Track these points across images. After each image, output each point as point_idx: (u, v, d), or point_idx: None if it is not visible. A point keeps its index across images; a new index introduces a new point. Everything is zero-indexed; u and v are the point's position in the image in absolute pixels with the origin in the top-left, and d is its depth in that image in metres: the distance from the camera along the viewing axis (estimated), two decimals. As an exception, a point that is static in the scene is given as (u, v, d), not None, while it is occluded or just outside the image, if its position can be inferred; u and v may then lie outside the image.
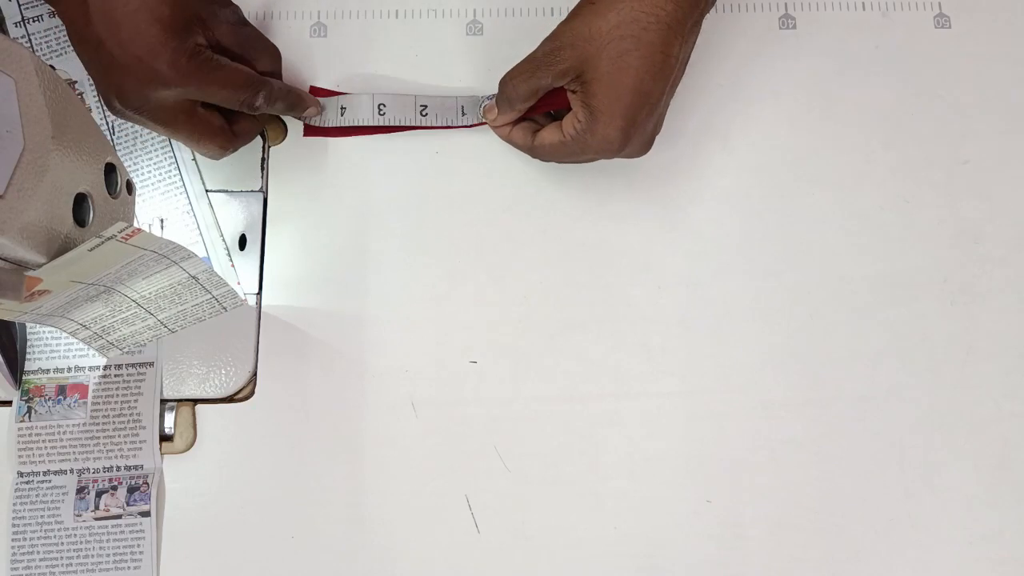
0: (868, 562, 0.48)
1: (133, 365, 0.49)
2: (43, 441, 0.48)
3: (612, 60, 0.43)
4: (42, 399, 0.49)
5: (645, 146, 0.48)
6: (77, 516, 0.47)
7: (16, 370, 0.48)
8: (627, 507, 0.48)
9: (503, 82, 0.48)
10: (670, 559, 0.48)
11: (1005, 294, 0.52)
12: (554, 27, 0.46)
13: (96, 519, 0.47)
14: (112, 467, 0.48)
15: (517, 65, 0.47)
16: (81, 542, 0.47)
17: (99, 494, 0.47)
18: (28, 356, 0.49)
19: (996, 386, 0.51)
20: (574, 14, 0.45)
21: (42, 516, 0.47)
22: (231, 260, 0.51)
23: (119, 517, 0.47)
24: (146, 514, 0.47)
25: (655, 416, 0.50)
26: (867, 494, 0.49)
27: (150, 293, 0.44)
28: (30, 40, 0.53)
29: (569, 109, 0.47)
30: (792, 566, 0.48)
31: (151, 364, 0.49)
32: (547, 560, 0.48)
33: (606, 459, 0.49)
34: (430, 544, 0.48)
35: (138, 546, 0.47)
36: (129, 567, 0.46)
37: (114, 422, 0.48)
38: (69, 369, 0.49)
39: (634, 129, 0.45)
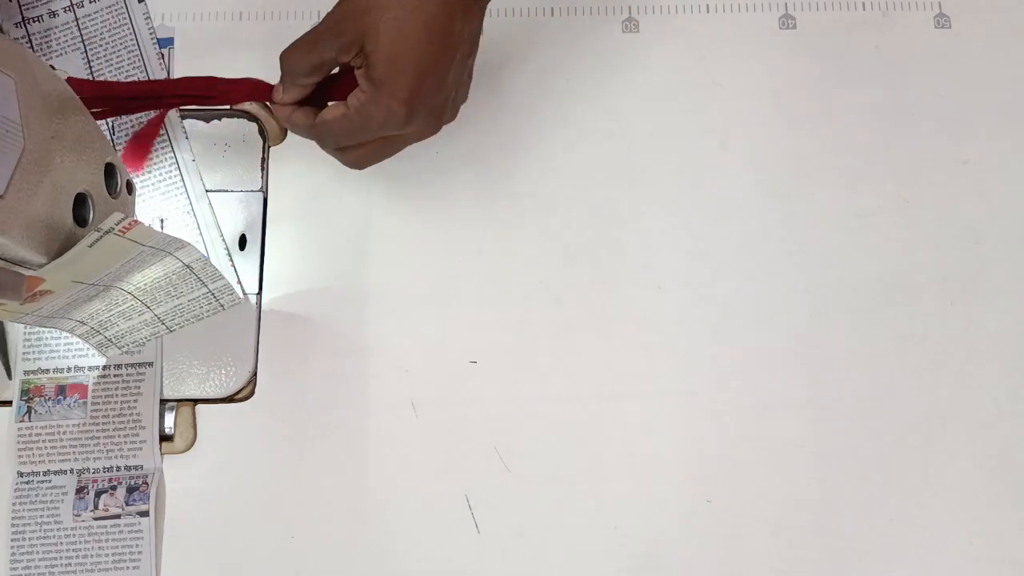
0: (868, 562, 0.48)
1: (133, 365, 0.49)
2: (43, 441, 0.48)
3: (390, 32, 0.42)
4: (42, 399, 0.49)
5: (433, 125, 0.47)
6: (76, 516, 0.47)
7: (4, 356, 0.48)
8: (627, 507, 0.48)
9: (283, 55, 0.45)
10: (670, 559, 0.48)
11: (1005, 294, 0.52)
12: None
13: (95, 519, 0.47)
14: (112, 467, 0.48)
15: (298, 39, 0.45)
16: (80, 542, 0.47)
17: (98, 494, 0.47)
18: (28, 356, 0.49)
19: (996, 386, 0.51)
20: None
21: (41, 516, 0.47)
22: (231, 260, 0.51)
23: (118, 517, 0.47)
24: (145, 514, 0.47)
25: (655, 416, 0.50)
26: (867, 494, 0.49)
27: (146, 284, 0.44)
28: (30, 40, 0.53)
29: None
30: (792, 566, 0.48)
31: (151, 364, 0.49)
32: (547, 560, 0.48)
33: (606, 459, 0.49)
34: (430, 544, 0.48)
35: (137, 546, 0.47)
36: (128, 567, 0.46)
37: (114, 422, 0.48)
38: (69, 369, 0.49)
39: (418, 101, 0.44)
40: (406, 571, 0.48)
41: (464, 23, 0.44)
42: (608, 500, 0.49)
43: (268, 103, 0.47)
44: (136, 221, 0.36)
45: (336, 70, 0.45)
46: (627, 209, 0.53)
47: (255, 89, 0.48)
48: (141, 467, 0.48)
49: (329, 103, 0.46)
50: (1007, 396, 0.50)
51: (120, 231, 0.36)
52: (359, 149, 0.47)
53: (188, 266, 0.43)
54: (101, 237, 0.36)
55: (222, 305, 0.48)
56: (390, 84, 0.43)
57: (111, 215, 0.36)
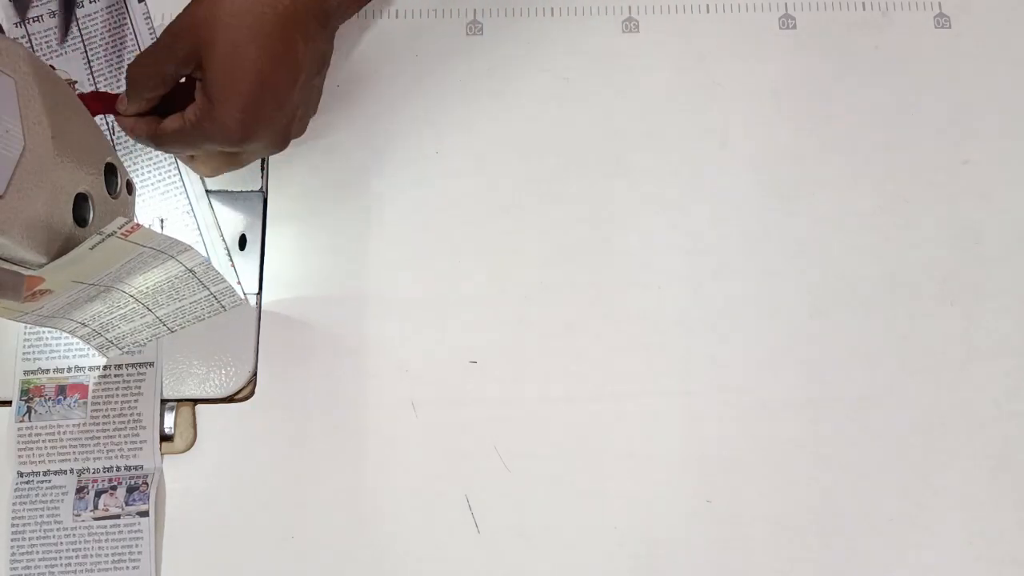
0: (868, 562, 0.48)
1: (133, 365, 0.49)
2: (43, 441, 0.48)
3: (227, 48, 0.43)
4: (42, 399, 0.49)
5: (279, 142, 0.47)
6: (76, 516, 0.47)
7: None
8: (627, 507, 0.48)
9: (128, 68, 0.45)
10: (670, 559, 0.48)
11: (1005, 294, 0.52)
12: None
13: (95, 519, 0.47)
14: (112, 467, 0.48)
15: (143, 51, 0.45)
16: (80, 542, 0.47)
17: (98, 494, 0.47)
18: (28, 356, 0.49)
19: (996, 386, 0.51)
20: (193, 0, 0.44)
21: (41, 516, 0.47)
22: (231, 260, 0.51)
23: (117, 517, 0.47)
24: (145, 514, 0.47)
25: (655, 416, 0.50)
26: (867, 494, 0.49)
27: (148, 288, 0.44)
28: (30, 40, 0.53)
29: None
30: (792, 566, 0.48)
31: (151, 364, 0.49)
32: (547, 560, 0.48)
33: (606, 459, 0.49)
34: (430, 544, 0.48)
35: (136, 546, 0.47)
36: (128, 567, 0.46)
37: (114, 422, 0.48)
38: (69, 369, 0.49)
39: (254, 119, 0.44)
40: (406, 571, 0.48)
41: (306, 44, 0.44)
42: (608, 500, 0.49)
43: (113, 114, 0.47)
44: (138, 225, 0.36)
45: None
46: (627, 209, 0.53)
47: (103, 102, 0.47)
48: (141, 467, 0.48)
49: (170, 116, 0.46)
50: (1007, 396, 0.50)
51: (123, 234, 0.36)
52: (207, 159, 0.48)
53: (191, 270, 0.43)
54: (103, 240, 0.36)
55: (223, 306, 0.48)
56: (224, 101, 0.43)
57: (114, 219, 0.36)
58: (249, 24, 0.43)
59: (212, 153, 0.48)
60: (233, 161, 0.49)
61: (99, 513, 0.47)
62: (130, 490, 0.47)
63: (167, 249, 0.40)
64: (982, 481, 0.49)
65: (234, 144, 0.45)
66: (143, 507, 0.47)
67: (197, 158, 0.49)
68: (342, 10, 0.46)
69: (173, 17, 0.43)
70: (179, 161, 0.52)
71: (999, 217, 0.53)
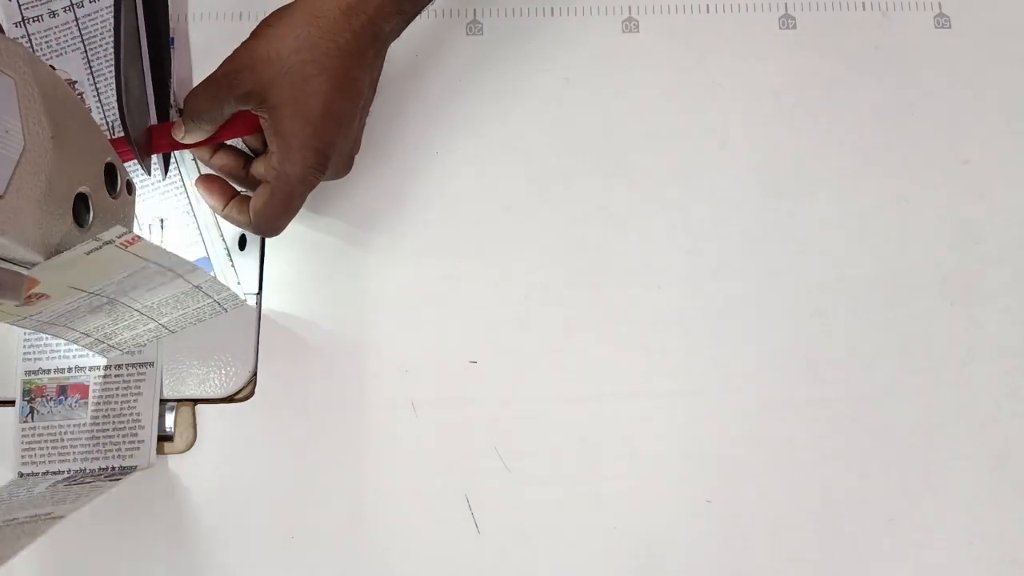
0: (868, 562, 0.48)
1: (133, 365, 0.49)
2: (45, 442, 0.48)
3: (297, 85, 0.44)
4: (44, 399, 0.49)
5: (346, 166, 0.49)
6: (51, 487, 0.45)
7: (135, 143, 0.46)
8: (627, 507, 0.48)
9: (187, 98, 0.46)
10: (670, 559, 0.48)
11: (1005, 294, 0.52)
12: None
13: (64, 484, 0.45)
14: (108, 468, 0.48)
15: (201, 82, 0.46)
16: (31, 503, 0.43)
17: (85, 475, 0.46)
18: (28, 356, 0.49)
19: (996, 386, 0.51)
20: (253, 35, 0.45)
21: (17, 491, 0.45)
22: (231, 260, 0.51)
23: (86, 483, 0.45)
24: (116, 480, 0.45)
25: (655, 416, 0.50)
26: (867, 494, 0.49)
27: (153, 303, 0.44)
28: (30, 40, 0.53)
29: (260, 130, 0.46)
30: (792, 566, 0.48)
31: (151, 364, 0.49)
32: (547, 560, 0.48)
33: (606, 459, 0.49)
34: (430, 544, 0.48)
35: (84, 499, 0.43)
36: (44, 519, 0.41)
37: (113, 422, 0.48)
38: (70, 369, 0.49)
39: (332, 150, 0.45)
40: (406, 571, 0.48)
41: (365, 72, 0.46)
42: (608, 500, 0.49)
43: (177, 149, 0.48)
44: (138, 237, 0.36)
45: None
46: (627, 209, 0.53)
47: (162, 134, 0.48)
48: (135, 468, 0.48)
49: (253, 196, 0.47)
50: (1007, 396, 0.50)
51: (122, 244, 0.36)
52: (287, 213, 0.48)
53: (197, 287, 0.43)
54: (100, 247, 0.36)
55: (225, 309, 0.48)
56: (300, 138, 0.44)
57: (113, 226, 0.36)
58: (315, 59, 0.44)
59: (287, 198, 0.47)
60: (300, 201, 0.47)
61: (73, 480, 0.45)
62: (115, 469, 0.47)
63: (174, 267, 0.40)
64: (982, 481, 0.49)
65: (318, 177, 0.46)
66: (119, 478, 0.45)
67: (272, 214, 0.47)
68: (394, 34, 0.47)
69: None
70: (179, 161, 0.52)
71: (999, 217, 0.53)
